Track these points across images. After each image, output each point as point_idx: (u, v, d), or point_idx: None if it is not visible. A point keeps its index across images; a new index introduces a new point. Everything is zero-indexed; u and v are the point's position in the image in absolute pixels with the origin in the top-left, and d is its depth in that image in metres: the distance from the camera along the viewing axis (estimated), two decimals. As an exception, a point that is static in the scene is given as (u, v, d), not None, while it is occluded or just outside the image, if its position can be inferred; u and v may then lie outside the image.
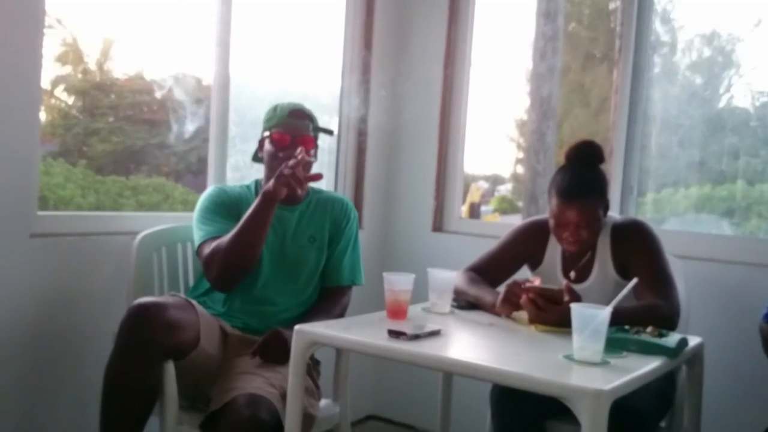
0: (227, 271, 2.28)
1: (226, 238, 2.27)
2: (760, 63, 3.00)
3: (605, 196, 2.28)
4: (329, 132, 2.55)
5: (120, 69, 2.91)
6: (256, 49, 3.13)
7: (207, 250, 2.30)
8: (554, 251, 2.40)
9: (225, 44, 2.87)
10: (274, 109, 2.47)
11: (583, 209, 2.19)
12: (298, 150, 2.24)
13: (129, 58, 2.88)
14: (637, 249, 2.25)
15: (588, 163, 2.27)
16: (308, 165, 2.31)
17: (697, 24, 3.20)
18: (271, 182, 2.21)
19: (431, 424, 2.91)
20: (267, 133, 2.45)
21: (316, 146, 2.48)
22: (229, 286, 2.33)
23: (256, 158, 2.55)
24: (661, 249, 2.26)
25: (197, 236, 2.37)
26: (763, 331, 2.15)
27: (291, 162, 2.20)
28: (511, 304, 2.17)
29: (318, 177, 2.26)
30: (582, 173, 2.24)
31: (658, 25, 3.15)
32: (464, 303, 2.35)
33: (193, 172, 2.99)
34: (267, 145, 2.44)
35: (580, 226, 2.20)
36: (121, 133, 2.96)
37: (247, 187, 2.53)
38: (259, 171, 2.57)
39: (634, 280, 1.99)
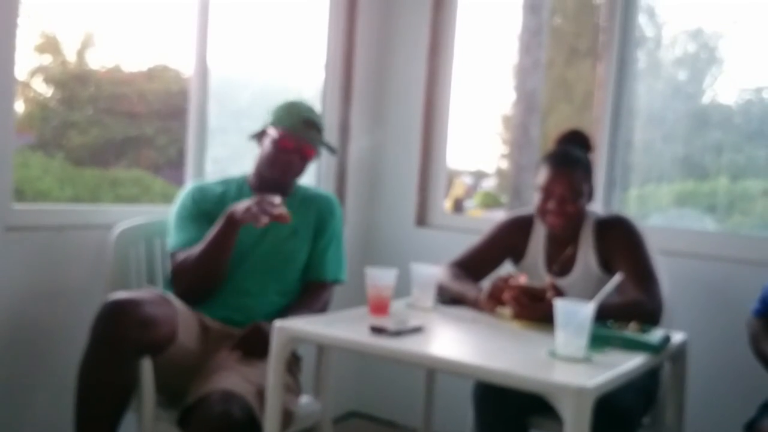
0: (194, 288, 2.29)
1: (192, 255, 2.26)
2: (744, 59, 3.00)
3: (591, 177, 2.31)
4: (332, 151, 2.55)
5: (99, 60, 2.87)
6: (238, 40, 3.10)
7: (176, 261, 2.31)
8: (537, 245, 2.40)
9: (204, 35, 2.83)
10: (290, 107, 2.44)
11: (570, 178, 2.23)
12: (278, 200, 2.20)
13: (108, 49, 2.84)
14: (621, 244, 2.25)
15: (576, 144, 2.34)
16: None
17: (681, 20, 3.20)
18: (239, 209, 2.19)
19: (414, 421, 2.89)
20: (273, 129, 2.42)
21: (313, 159, 2.48)
22: (196, 302, 2.31)
23: (254, 138, 2.51)
24: (644, 244, 2.26)
25: (170, 242, 2.38)
26: (752, 326, 2.15)
27: (269, 205, 2.16)
28: (495, 299, 2.15)
29: (286, 220, 2.20)
30: (571, 150, 2.31)
31: (642, 21, 3.14)
32: (448, 298, 2.33)
33: (173, 164, 2.96)
34: (269, 141, 2.42)
35: (565, 197, 2.23)
36: (100, 126, 2.92)
37: (233, 182, 2.49)
38: (241, 164, 2.54)
39: (618, 276, 1.98)
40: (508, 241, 2.45)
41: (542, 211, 2.29)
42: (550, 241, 2.39)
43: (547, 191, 2.26)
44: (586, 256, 2.30)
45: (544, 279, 2.26)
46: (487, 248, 2.46)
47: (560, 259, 2.34)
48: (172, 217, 2.41)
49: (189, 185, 2.51)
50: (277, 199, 2.19)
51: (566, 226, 2.28)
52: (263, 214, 2.14)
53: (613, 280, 1.96)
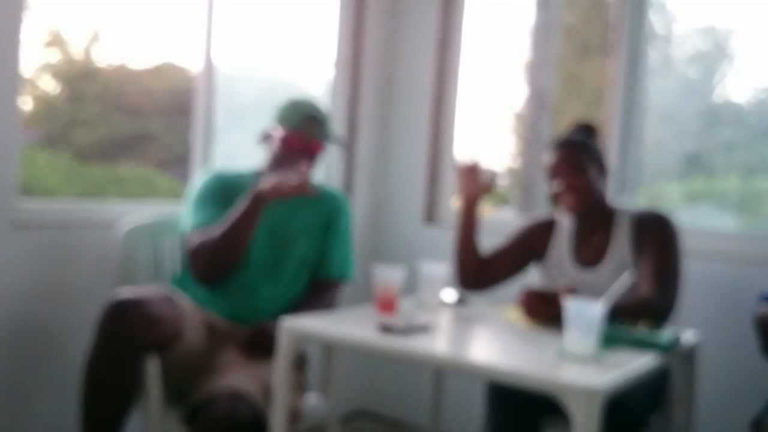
0: (213, 268, 2.27)
1: (213, 234, 2.24)
2: (756, 57, 2.97)
3: (601, 159, 2.33)
4: (341, 144, 2.54)
5: (105, 58, 2.86)
6: (245, 38, 3.09)
7: (195, 241, 2.28)
8: (561, 242, 2.39)
9: (210, 32, 2.83)
10: (293, 106, 2.43)
11: (571, 154, 2.28)
12: (303, 168, 2.25)
13: (114, 46, 2.84)
14: (652, 240, 2.23)
15: (583, 132, 2.37)
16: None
17: (692, 17, 3.17)
18: (265, 185, 2.18)
19: (422, 420, 2.87)
20: (278, 128, 2.41)
21: (322, 154, 2.46)
22: (213, 282, 2.30)
23: (262, 140, 2.50)
24: (676, 244, 2.23)
25: (188, 223, 2.34)
26: (758, 316, 2.10)
27: (295, 177, 2.18)
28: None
29: (310, 193, 2.21)
30: (575, 135, 2.36)
31: (653, 18, 3.12)
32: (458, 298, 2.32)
33: (180, 162, 2.95)
34: (275, 142, 2.41)
35: (570, 172, 2.26)
36: (107, 123, 2.91)
37: (247, 175, 2.47)
38: (247, 161, 2.52)
39: (627, 276, 1.95)
40: (530, 241, 2.45)
41: (555, 194, 2.30)
42: (576, 234, 2.37)
43: (553, 171, 2.30)
44: (620, 248, 2.26)
45: (572, 274, 2.28)
46: (510, 249, 2.45)
47: (589, 249, 2.33)
48: (190, 199, 2.39)
49: (207, 171, 2.50)
50: (297, 175, 2.19)
51: (581, 203, 2.26)
52: (291, 187, 2.15)
53: (622, 278, 1.93)
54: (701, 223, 3.08)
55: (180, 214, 2.45)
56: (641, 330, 1.90)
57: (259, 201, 2.21)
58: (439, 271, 2.27)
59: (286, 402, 1.92)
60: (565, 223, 2.40)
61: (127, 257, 2.36)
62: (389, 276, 2.07)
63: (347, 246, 2.49)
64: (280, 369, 1.90)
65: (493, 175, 2.38)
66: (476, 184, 2.35)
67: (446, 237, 3.36)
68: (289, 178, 2.17)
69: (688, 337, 2.06)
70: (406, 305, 2.19)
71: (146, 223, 2.45)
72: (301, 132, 2.38)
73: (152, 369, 2.05)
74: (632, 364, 1.70)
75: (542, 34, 3.38)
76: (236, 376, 2.03)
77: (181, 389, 2.14)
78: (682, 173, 3.23)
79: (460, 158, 2.39)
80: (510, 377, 1.65)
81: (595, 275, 2.25)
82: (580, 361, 1.68)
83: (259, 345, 2.17)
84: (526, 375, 1.61)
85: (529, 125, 3.41)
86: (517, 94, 3.52)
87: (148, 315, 2.00)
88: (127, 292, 2.05)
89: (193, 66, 2.89)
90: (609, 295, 1.83)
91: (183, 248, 2.43)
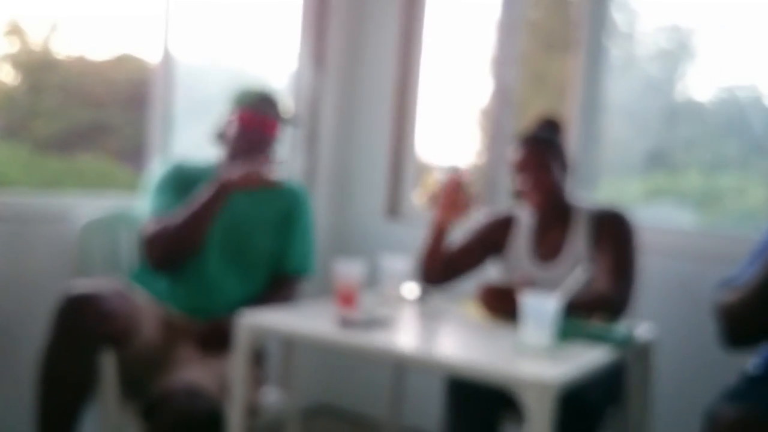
0: (169, 255, 2.25)
1: (173, 220, 2.22)
2: (718, 56, 3.01)
3: (563, 155, 2.34)
4: (294, 124, 2.52)
5: (65, 48, 2.82)
6: (209, 30, 3.06)
7: (151, 228, 2.26)
8: (520, 237, 2.41)
9: (168, 23, 2.83)
10: (247, 90, 2.44)
11: (538, 151, 2.30)
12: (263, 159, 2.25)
13: (74, 37, 2.80)
14: (609, 236, 2.25)
15: (547, 128, 2.39)
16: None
17: (656, 15, 3.20)
18: (234, 174, 2.18)
19: (383, 413, 2.88)
20: (234, 111, 2.41)
21: (280, 135, 2.46)
22: (167, 270, 2.29)
23: (218, 138, 2.48)
24: (632, 241, 2.25)
25: (146, 209, 2.32)
26: (717, 304, 2.11)
27: (263, 168, 2.20)
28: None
29: (277, 186, 2.25)
30: (540, 130, 2.37)
31: (617, 16, 3.14)
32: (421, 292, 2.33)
33: (139, 154, 2.93)
34: (232, 126, 2.40)
35: (537, 169, 2.28)
36: (67, 114, 2.87)
37: (207, 168, 2.45)
38: (207, 153, 2.50)
39: (580, 271, 1.97)
40: (490, 236, 2.46)
41: (521, 190, 2.31)
42: (537, 230, 2.39)
43: (519, 168, 2.31)
44: (577, 244, 2.29)
45: (530, 269, 2.30)
46: (470, 245, 2.47)
47: (547, 245, 2.35)
48: (148, 188, 2.37)
49: (167, 162, 2.48)
50: (270, 160, 2.23)
51: (546, 200, 2.29)
52: (259, 179, 2.16)
53: (575, 273, 1.95)
54: (661, 220, 3.12)
55: (137, 207, 2.42)
56: (596, 324, 1.92)
57: (224, 189, 2.20)
58: (400, 266, 2.27)
59: (243, 397, 1.91)
60: (524, 218, 2.42)
61: (84, 251, 2.34)
62: (349, 270, 2.06)
63: (307, 240, 2.49)
64: (237, 364, 1.89)
65: (473, 194, 2.34)
66: (458, 206, 2.32)
67: (409, 231, 3.37)
68: (258, 169, 2.17)
69: (644, 331, 2.08)
70: (366, 299, 2.19)
71: (103, 216, 2.42)
72: (256, 110, 2.38)
73: (107, 363, 2.03)
74: (586, 358, 1.71)
75: (507, 29, 3.39)
76: (193, 371, 2.02)
77: (138, 384, 2.12)
78: (643, 170, 3.27)
79: (445, 173, 2.35)
80: (466, 371, 1.66)
81: (552, 271, 2.27)
82: (536, 355, 1.70)
83: (216, 340, 2.17)
84: (482, 369, 1.62)
85: (494, 121, 3.41)
86: (481, 90, 3.53)
87: (102, 309, 1.98)
88: (81, 287, 2.03)
89: (152, 57, 2.87)
90: (564, 290, 1.84)
91: (139, 236, 2.41)
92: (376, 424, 3.29)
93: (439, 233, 2.38)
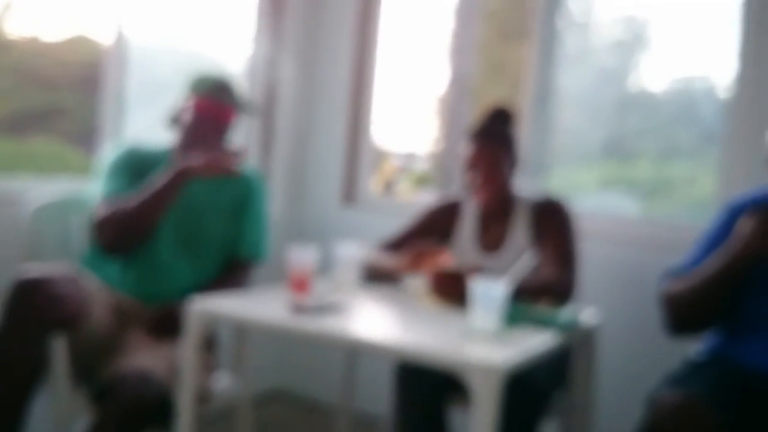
0: (122, 238, 2.23)
1: (126, 203, 2.21)
2: (672, 47, 3.06)
3: (514, 150, 2.37)
4: (251, 111, 2.54)
5: (18, 29, 2.77)
6: (164, 12, 3.03)
7: (104, 210, 2.23)
8: (467, 225, 2.44)
9: (121, 5, 2.80)
10: (203, 76, 2.41)
11: (492, 149, 2.31)
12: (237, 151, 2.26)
13: (27, 18, 2.75)
14: (551, 225, 2.31)
15: (499, 120, 2.39)
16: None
17: (611, 5, 3.24)
18: (196, 161, 2.18)
19: (335, 398, 2.90)
20: (190, 98, 2.39)
21: (235, 121, 2.45)
22: (119, 253, 2.27)
23: (172, 123, 2.47)
24: (572, 228, 2.31)
25: (98, 193, 2.30)
26: (663, 292, 2.16)
27: (223, 154, 2.21)
28: (415, 264, 2.21)
29: (233, 174, 2.25)
30: (493, 124, 2.38)
31: (572, 5, 3.18)
32: (373, 273, 2.34)
33: (92, 137, 2.89)
34: (188, 112, 2.38)
35: (490, 168, 2.30)
36: (19, 96, 2.83)
37: (162, 153, 2.44)
38: (161, 137, 2.48)
39: (528, 257, 2.01)
40: (437, 223, 2.49)
41: (472, 186, 2.34)
42: (481, 220, 2.42)
43: (470, 163, 2.33)
44: (518, 234, 2.34)
45: (474, 258, 2.31)
46: (416, 230, 2.49)
47: (490, 235, 2.39)
48: (103, 170, 2.35)
49: (120, 145, 2.45)
50: (233, 150, 2.23)
51: (495, 197, 2.33)
52: (222, 167, 2.17)
53: (523, 258, 1.99)
54: (610, 208, 3.17)
55: (89, 191, 2.40)
56: (542, 309, 1.96)
57: (184, 175, 2.20)
58: (354, 252, 2.28)
59: (193, 383, 1.91)
60: (470, 207, 2.45)
61: (35, 235, 2.31)
62: (302, 256, 2.07)
63: (261, 226, 2.49)
64: (187, 350, 1.89)
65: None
66: (453, 294, 2.06)
67: (364, 218, 3.39)
68: (220, 157, 2.18)
69: (589, 317, 2.13)
70: (320, 286, 2.20)
71: (55, 200, 2.39)
72: (213, 97, 2.37)
73: (58, 348, 2.01)
74: (533, 342, 1.75)
75: (464, 18, 3.41)
76: (144, 357, 2.02)
77: (89, 368, 2.11)
78: (597, 159, 3.32)
79: (442, 266, 2.16)
80: (414, 355, 1.69)
81: (496, 260, 2.31)
82: (484, 339, 1.73)
83: (167, 326, 2.16)
84: (429, 353, 1.64)
85: (451, 109, 3.44)
86: (438, 78, 3.54)
87: (53, 293, 1.96)
88: (31, 271, 2.01)
89: (106, 39, 2.83)
90: (512, 275, 1.88)
91: (91, 219, 2.39)
92: (329, 410, 3.30)
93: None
